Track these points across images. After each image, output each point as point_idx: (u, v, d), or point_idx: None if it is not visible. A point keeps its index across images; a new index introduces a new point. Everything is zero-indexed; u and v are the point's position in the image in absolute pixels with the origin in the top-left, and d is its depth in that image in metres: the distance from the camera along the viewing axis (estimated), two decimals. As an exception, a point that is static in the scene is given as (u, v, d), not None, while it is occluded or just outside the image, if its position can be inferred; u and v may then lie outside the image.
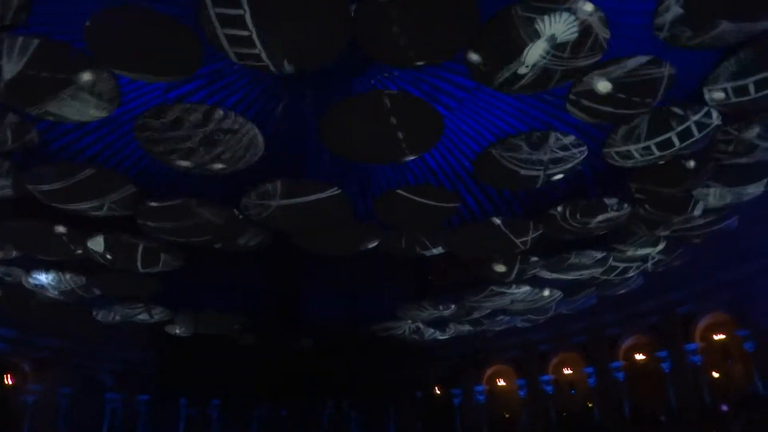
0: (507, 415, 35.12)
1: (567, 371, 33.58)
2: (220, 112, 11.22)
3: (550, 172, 13.57)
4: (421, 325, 25.51)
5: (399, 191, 14.79)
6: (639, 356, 30.95)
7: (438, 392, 37.09)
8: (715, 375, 28.06)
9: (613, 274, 21.26)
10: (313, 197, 14.06)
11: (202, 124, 11.31)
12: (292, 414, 34.68)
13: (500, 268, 19.20)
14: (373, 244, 17.38)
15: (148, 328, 24.88)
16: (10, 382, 29.19)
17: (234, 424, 34.91)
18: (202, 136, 11.61)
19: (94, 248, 16.47)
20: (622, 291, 24.28)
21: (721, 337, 28.07)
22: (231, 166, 12.67)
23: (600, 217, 15.98)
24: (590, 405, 31.86)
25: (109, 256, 16.95)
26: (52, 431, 29.41)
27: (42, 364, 29.59)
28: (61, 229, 15.70)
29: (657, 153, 13.46)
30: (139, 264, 17.46)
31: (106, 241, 16.27)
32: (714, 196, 16.45)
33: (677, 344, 28.58)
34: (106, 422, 32.07)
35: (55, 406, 29.97)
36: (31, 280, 19.27)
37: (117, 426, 32.15)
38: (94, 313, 23.23)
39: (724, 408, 26.64)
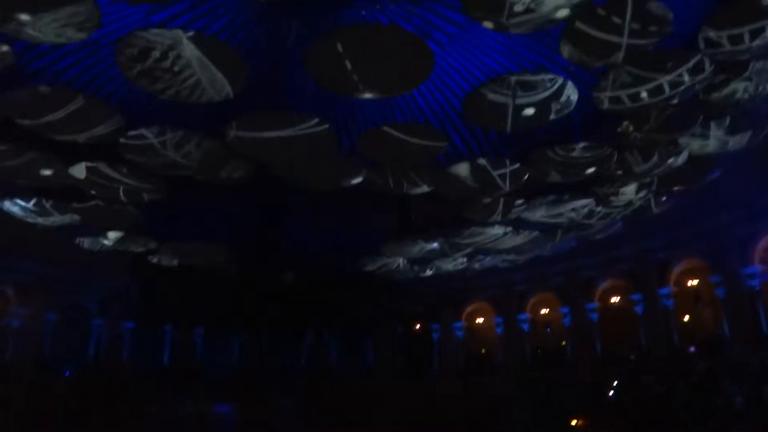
0: (484, 351, 36.22)
1: (543, 311, 34.52)
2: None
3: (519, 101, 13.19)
4: (402, 263, 25.85)
5: (386, 128, 14.65)
6: (614, 299, 31.84)
7: (418, 327, 38.04)
8: (686, 319, 29.03)
9: (593, 219, 21.55)
10: (297, 130, 13.88)
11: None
12: (273, 342, 35.47)
13: (484, 208, 19.33)
14: (357, 181, 17.34)
15: (132, 257, 24.95)
16: (-6, 306, 29.45)
17: (217, 351, 35.73)
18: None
19: (76, 175, 16.27)
20: (602, 236, 24.67)
21: (694, 282, 28.90)
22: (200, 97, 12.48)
23: (584, 161, 16.04)
24: (564, 343, 32.94)
25: (91, 184, 16.78)
26: (37, 355, 29.89)
27: (25, 288, 29.76)
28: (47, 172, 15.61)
29: (647, 99, 13.41)
30: (121, 193, 17.33)
31: (88, 168, 16.06)
32: (699, 144, 16.54)
33: (651, 288, 29.40)
34: (91, 348, 32.64)
35: (40, 331, 30.37)
36: (10, 206, 19.07)
37: (103, 351, 32.76)
38: (77, 240, 23.18)
39: (692, 349, 27.73)
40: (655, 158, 16.96)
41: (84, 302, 32.58)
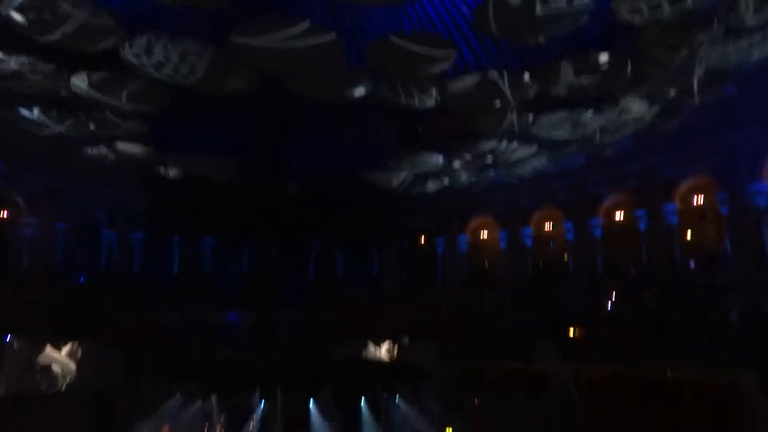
0: (487, 265, 36.94)
1: (547, 226, 34.84)
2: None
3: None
4: (408, 177, 25.85)
5: (393, 38, 14.21)
6: (618, 214, 32.00)
7: (422, 241, 38.61)
8: (689, 236, 29.28)
9: (603, 135, 21.28)
10: (305, 39, 13.49)
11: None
12: (280, 253, 36.18)
13: (492, 122, 19.07)
14: (363, 92, 17.01)
15: (138, 167, 25.01)
16: (5, 215, 29.87)
17: (225, 261, 36.56)
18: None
19: (78, 84, 16.03)
20: (611, 152, 24.46)
21: (700, 200, 28.90)
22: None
23: (596, 72, 15.61)
24: (566, 258, 33.48)
25: (94, 93, 16.55)
26: (50, 264, 30.66)
27: (34, 198, 30.11)
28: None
29: (667, 9, 12.87)
30: (124, 101, 17.11)
31: (90, 77, 15.79)
32: (718, 56, 16.02)
33: (656, 204, 29.46)
34: (103, 257, 33.42)
35: (52, 240, 30.99)
36: (18, 113, 18.92)
37: (114, 261, 33.56)
38: (83, 150, 23.16)
39: (692, 266, 28.17)
40: (673, 69, 16.47)
41: (92, 213, 33.00)
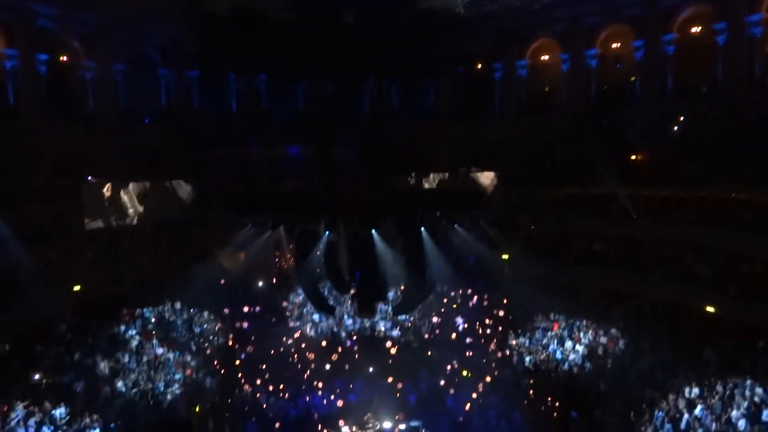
0: (547, 89, 35.57)
1: (614, 45, 32.58)
2: None
3: None
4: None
5: None
6: (694, 28, 29.43)
7: (479, 67, 37.12)
8: (772, 49, 26.86)
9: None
10: None
11: None
12: (335, 87, 35.90)
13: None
14: None
15: (189, 3, 24.35)
16: (65, 59, 30.35)
17: (281, 97, 36.70)
18: None
19: None
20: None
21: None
22: None
23: None
24: (633, 79, 31.74)
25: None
26: (113, 106, 31.58)
27: (90, 40, 30.23)
28: None
29: None
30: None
31: None
32: None
33: (739, 15, 26.81)
34: (163, 97, 34.07)
35: (112, 82, 31.59)
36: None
37: (173, 100, 34.21)
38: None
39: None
40: None
41: (147, 52, 33.04)
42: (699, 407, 17.42)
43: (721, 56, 27.80)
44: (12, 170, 24.60)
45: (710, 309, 22.54)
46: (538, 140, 31.38)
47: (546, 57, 35.06)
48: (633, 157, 29.02)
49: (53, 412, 17.59)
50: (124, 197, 28.18)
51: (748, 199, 23.03)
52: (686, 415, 17.29)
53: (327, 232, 24.14)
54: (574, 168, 29.06)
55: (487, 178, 31.26)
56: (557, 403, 21.29)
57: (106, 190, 27.84)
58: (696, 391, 18.23)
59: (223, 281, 28.67)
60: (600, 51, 32.57)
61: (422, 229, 23.75)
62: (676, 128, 28.76)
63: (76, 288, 25.12)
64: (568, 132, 30.66)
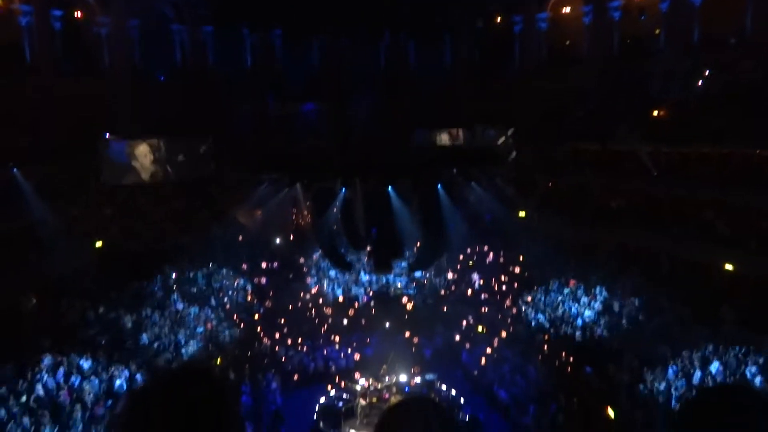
0: (568, 43, 34.67)
1: (639, -4, 31.53)
2: None
3: None
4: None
5: None
6: (723, -22, 28.28)
7: (498, 21, 36.21)
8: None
9: None
10: None
11: None
12: (351, 44, 35.34)
13: None
14: None
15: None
16: (80, 15, 30.15)
17: (297, 53, 36.22)
18: None
19: None
20: None
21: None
22: None
23: None
24: (658, 31, 30.76)
25: None
26: (128, 62, 31.43)
27: (104, -5, 29.96)
28: None
29: None
30: None
31: None
32: None
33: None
34: (177, 53, 33.80)
35: (127, 38, 31.37)
36: None
37: (188, 56, 33.94)
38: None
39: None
40: None
41: (160, 8, 32.65)
42: (715, 363, 17.49)
43: (751, 5, 26.76)
44: (30, 126, 24.78)
45: (729, 267, 22.35)
46: (557, 96, 30.74)
47: (567, 9, 34.03)
48: (655, 113, 28.38)
49: (80, 362, 18.21)
50: (141, 154, 28.31)
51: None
52: (699, 372, 17.40)
53: (343, 190, 24.19)
54: (594, 124, 28.53)
55: (504, 135, 30.86)
56: (571, 359, 21.50)
57: (123, 147, 27.97)
58: (711, 347, 18.29)
59: (240, 238, 29.01)
60: (623, 2, 31.49)
61: (438, 186, 23.69)
62: (700, 83, 27.98)
63: (98, 244, 25.56)
64: (588, 87, 29.98)
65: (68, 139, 25.58)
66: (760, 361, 16.91)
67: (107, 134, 28.29)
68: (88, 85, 28.54)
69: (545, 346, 22.99)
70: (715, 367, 17.44)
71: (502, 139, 30.56)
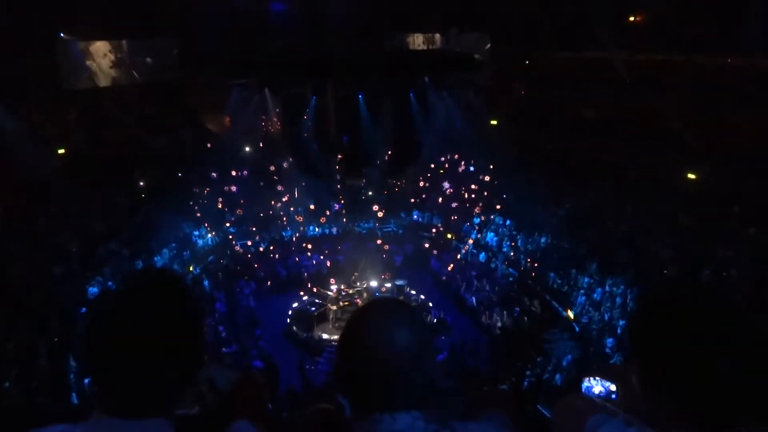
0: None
1: None
2: None
3: None
4: None
5: None
6: None
7: None
8: None
9: None
10: None
11: None
12: None
13: None
14: None
15: None
16: None
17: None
18: None
19: None
20: None
21: None
22: None
23: None
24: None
25: None
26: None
27: None
28: None
29: None
30: None
31: None
32: None
33: None
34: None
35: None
36: None
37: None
38: None
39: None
40: None
41: None
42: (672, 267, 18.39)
43: None
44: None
45: (691, 176, 22.90)
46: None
47: None
48: (631, 19, 27.83)
49: (51, 270, 18.25)
50: (102, 55, 26.96)
51: (746, 65, 22.49)
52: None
53: (314, 96, 23.62)
54: (570, 29, 27.88)
55: (479, 39, 30.06)
56: (536, 264, 22.37)
57: (82, 48, 26.54)
58: (669, 253, 19.13)
59: (209, 145, 28.50)
60: None
61: (410, 93, 23.27)
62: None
63: (61, 151, 24.88)
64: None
65: (21, 38, 24.15)
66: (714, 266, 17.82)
67: (62, 33, 26.75)
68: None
69: (512, 253, 23.76)
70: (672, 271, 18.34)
71: (478, 43, 29.82)
